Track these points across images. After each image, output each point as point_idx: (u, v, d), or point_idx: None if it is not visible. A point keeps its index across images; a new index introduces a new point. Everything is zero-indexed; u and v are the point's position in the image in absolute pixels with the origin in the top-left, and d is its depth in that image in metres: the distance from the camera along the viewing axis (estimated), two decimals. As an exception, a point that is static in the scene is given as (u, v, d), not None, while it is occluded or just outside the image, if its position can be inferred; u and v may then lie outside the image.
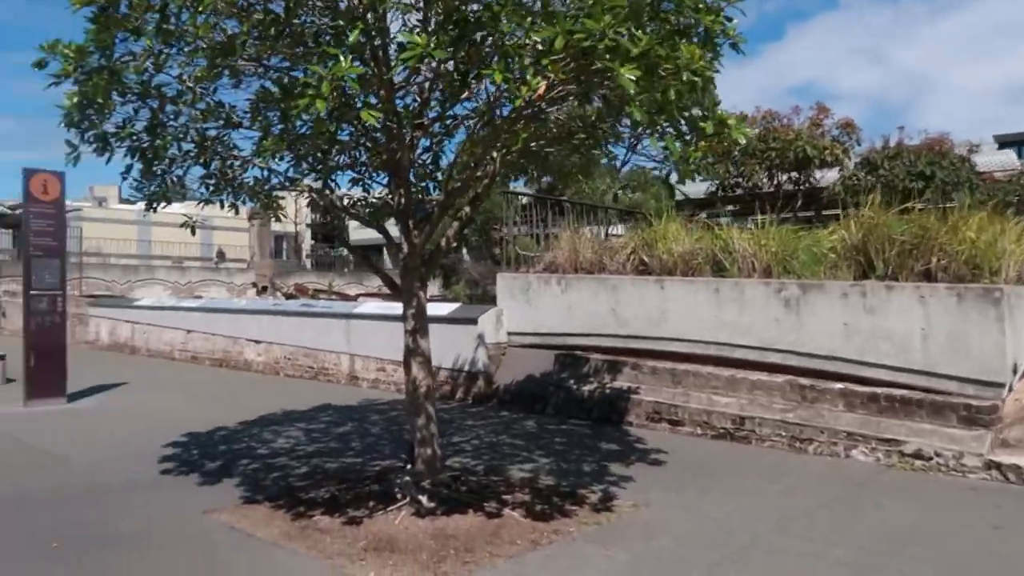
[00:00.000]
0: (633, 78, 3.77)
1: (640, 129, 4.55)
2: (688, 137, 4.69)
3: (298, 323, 14.01)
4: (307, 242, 67.10)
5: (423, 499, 5.64)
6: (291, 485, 6.53)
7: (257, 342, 14.91)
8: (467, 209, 6.28)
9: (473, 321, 10.87)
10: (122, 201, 69.23)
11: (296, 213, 59.74)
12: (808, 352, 8.20)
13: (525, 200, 20.34)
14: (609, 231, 20.25)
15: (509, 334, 11.12)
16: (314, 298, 34.95)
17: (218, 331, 15.99)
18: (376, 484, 6.32)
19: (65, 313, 11.30)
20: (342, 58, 3.81)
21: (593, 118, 5.24)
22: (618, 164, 19.60)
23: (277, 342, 14.43)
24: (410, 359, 6.12)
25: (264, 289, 37.38)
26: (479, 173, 5.69)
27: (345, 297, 33.29)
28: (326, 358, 13.35)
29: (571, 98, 4.68)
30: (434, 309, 11.25)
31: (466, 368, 10.93)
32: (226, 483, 6.60)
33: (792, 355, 8.30)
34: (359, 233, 71.01)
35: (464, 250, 22.57)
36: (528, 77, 3.91)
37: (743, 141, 4.58)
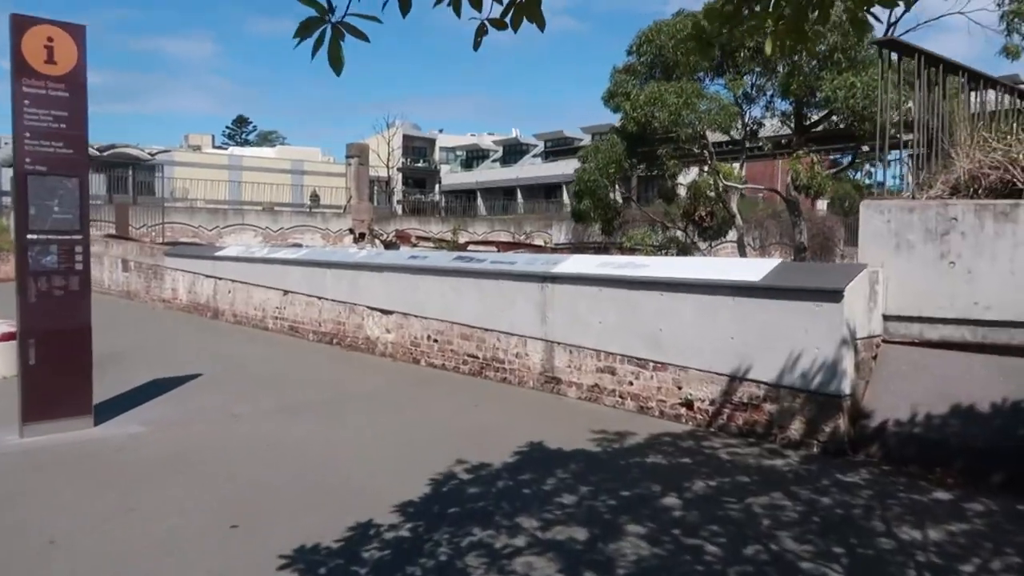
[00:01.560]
0: None
1: None
2: None
3: (452, 287, 9.07)
4: (399, 187, 63.04)
5: None
6: None
7: (386, 312, 10.10)
8: None
9: (824, 295, 5.59)
10: (216, 147, 67.00)
11: (389, 156, 55.79)
12: None
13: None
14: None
15: (886, 318, 5.84)
16: (415, 247, 30.59)
17: (328, 294, 11.29)
18: None
19: (88, 273, 6.64)
20: None
21: None
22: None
23: (417, 314, 9.58)
24: None
25: (362, 236, 33.28)
26: None
27: (459, 247, 28.64)
28: (500, 344, 8.40)
29: None
30: (726, 270, 6.11)
31: (807, 385, 5.70)
32: None
33: None
34: (452, 178, 66.54)
35: (613, 184, 17.01)
36: None
37: None
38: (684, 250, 16.33)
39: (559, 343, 7.71)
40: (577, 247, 28.27)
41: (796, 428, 5.74)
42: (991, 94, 7.13)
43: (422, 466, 5.24)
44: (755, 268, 6.16)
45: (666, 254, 16.11)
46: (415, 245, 31.29)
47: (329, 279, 11.29)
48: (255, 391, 8.06)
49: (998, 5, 13.78)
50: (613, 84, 16.41)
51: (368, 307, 10.43)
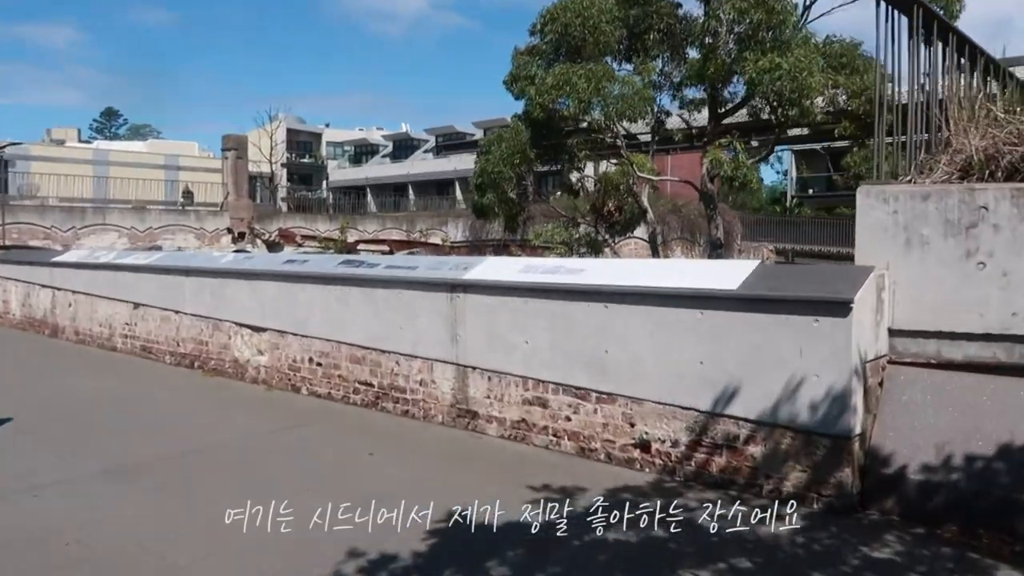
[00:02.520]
0: None
1: None
2: None
3: (338, 298, 7.40)
4: (283, 183, 59.57)
5: None
6: None
7: (258, 329, 8.30)
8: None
9: (825, 307, 4.35)
10: (82, 142, 61.24)
11: (271, 150, 52.49)
12: None
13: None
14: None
15: (893, 333, 4.67)
16: (301, 247, 28.28)
17: (187, 307, 9.33)
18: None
19: None
20: None
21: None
22: None
23: (296, 332, 7.84)
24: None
25: (242, 235, 30.72)
26: None
27: (349, 247, 26.62)
28: (400, 369, 6.81)
29: None
30: (690, 275, 4.82)
31: (803, 422, 4.45)
32: None
33: None
34: (340, 174, 63.81)
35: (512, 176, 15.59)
36: None
37: None
38: (595, 247, 15.17)
39: (475, 368, 6.21)
40: (476, 245, 26.85)
41: (790, 478, 4.49)
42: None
43: (300, 570, 3.64)
44: (729, 273, 4.86)
45: (575, 253, 14.90)
46: (300, 245, 28.94)
47: (188, 289, 9.33)
48: (80, 443, 6.14)
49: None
50: (515, 67, 15.02)
51: (236, 323, 8.58)
